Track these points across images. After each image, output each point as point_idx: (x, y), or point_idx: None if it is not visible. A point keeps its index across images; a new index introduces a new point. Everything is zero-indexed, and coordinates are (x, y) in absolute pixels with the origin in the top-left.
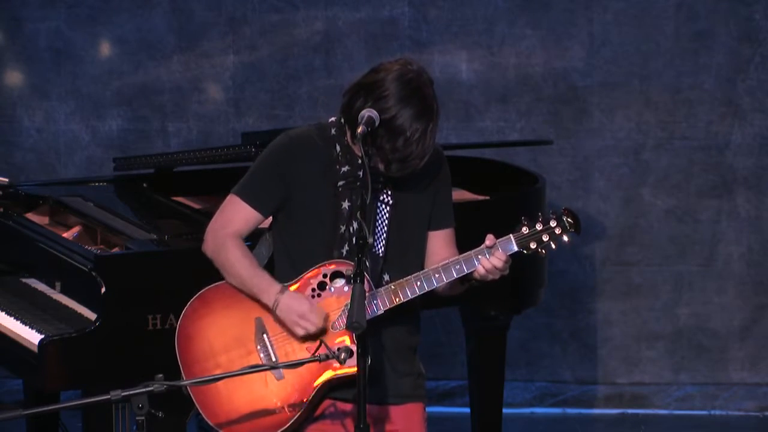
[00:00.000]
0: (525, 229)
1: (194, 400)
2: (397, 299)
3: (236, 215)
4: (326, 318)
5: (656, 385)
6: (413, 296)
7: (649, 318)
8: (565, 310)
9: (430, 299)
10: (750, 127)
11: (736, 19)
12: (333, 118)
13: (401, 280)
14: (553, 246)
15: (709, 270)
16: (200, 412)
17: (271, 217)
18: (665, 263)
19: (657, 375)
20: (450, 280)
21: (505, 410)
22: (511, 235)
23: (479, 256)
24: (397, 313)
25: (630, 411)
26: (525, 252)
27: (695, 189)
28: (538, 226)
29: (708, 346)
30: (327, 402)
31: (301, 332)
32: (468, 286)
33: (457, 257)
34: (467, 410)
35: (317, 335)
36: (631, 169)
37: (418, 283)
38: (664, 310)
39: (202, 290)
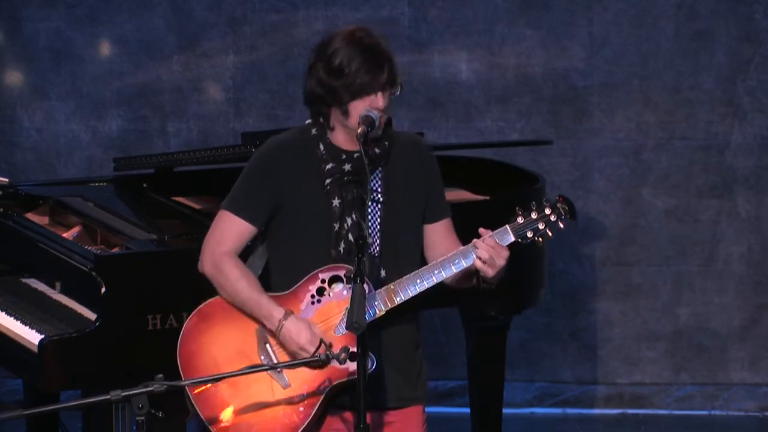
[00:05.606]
0: (520, 219)
1: (201, 418)
2: (398, 299)
3: (229, 230)
4: (330, 346)
5: (656, 385)
6: (414, 294)
7: (649, 318)
8: (565, 310)
9: (432, 298)
10: (750, 127)
11: (736, 19)
12: (310, 120)
13: (401, 279)
14: (550, 234)
15: (709, 270)
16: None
17: None
18: (665, 263)
19: (657, 375)
20: (450, 275)
21: (505, 410)
22: (507, 225)
23: (476, 248)
24: (397, 311)
25: (630, 411)
26: (521, 242)
27: (695, 189)
28: (533, 215)
29: (708, 346)
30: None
31: None
32: (475, 284)
33: (455, 252)
34: (467, 410)
35: (317, 365)
36: (631, 169)
37: (418, 281)
38: (664, 310)
39: (200, 306)
